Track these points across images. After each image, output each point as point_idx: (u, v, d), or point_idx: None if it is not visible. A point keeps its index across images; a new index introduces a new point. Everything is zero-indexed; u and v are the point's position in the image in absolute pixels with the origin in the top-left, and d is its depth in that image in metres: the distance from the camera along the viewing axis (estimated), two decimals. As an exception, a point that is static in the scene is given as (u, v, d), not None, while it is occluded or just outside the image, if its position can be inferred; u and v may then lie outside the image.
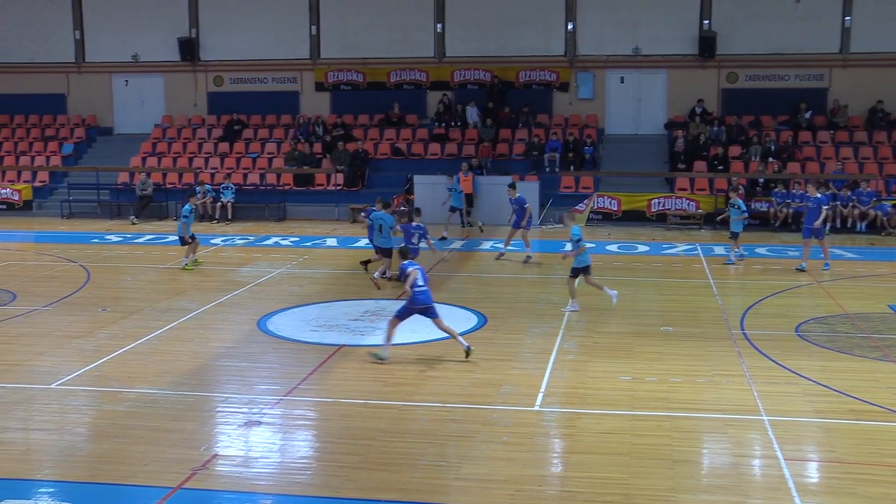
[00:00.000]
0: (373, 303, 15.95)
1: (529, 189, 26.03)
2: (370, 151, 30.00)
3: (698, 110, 29.74)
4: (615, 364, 12.16)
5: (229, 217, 27.83)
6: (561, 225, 23.21)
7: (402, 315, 12.31)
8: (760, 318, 14.81)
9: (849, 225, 25.44)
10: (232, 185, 28.38)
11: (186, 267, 19.37)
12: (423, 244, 17.42)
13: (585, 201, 27.12)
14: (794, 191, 25.05)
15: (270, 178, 29.58)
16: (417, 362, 12.21)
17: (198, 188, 26.88)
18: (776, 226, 25.64)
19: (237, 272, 19.24)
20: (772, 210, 25.86)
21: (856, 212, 25.37)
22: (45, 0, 33.34)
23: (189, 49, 32.39)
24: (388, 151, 30.34)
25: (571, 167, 28.56)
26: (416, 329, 12.93)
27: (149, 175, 29.09)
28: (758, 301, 16.10)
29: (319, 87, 32.42)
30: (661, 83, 30.73)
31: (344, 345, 13.09)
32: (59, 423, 10.06)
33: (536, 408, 10.48)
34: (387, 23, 31.65)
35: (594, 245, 22.65)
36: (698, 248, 22.36)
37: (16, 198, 30.41)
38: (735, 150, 28.48)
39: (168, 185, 29.70)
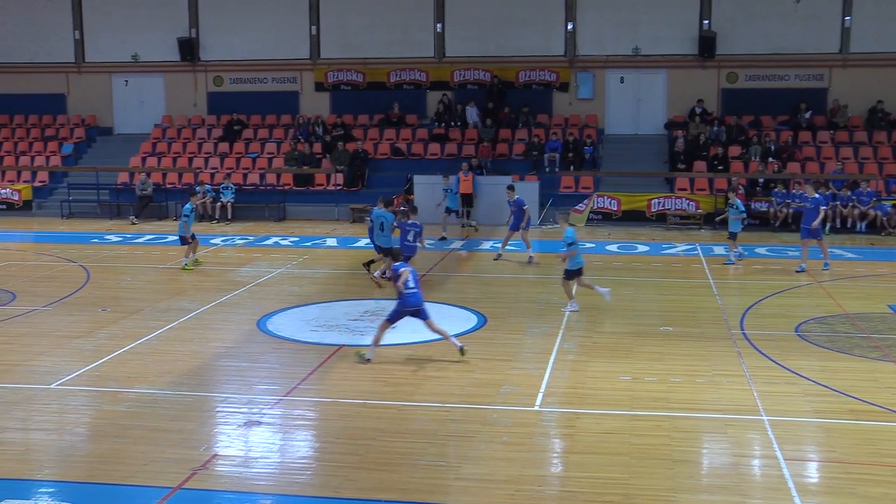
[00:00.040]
0: (373, 303, 15.95)
1: (529, 189, 26.05)
2: (370, 151, 30.00)
3: (698, 110, 29.74)
4: (615, 364, 12.15)
5: (229, 217, 27.84)
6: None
7: (392, 318, 12.29)
8: (760, 318, 14.81)
9: (849, 225, 25.44)
10: (232, 185, 28.38)
11: (186, 267, 19.37)
12: (417, 242, 17.45)
13: (585, 201, 27.16)
14: (793, 191, 25.04)
15: (270, 178, 29.59)
16: (417, 362, 12.21)
17: (197, 188, 26.88)
18: (776, 226, 25.64)
19: (237, 272, 19.23)
20: (772, 210, 25.87)
21: (856, 212, 25.38)
22: (45, 0, 33.35)
23: (189, 49, 32.39)
24: (387, 151, 30.34)
25: (571, 167, 28.57)
26: (416, 329, 12.92)
27: (148, 175, 29.10)
28: (758, 301, 16.10)
29: (319, 87, 32.42)
30: (661, 83, 30.74)
31: (344, 345, 13.08)
32: (58, 424, 10.06)
33: (536, 408, 10.47)
34: (387, 23, 31.66)
35: (594, 245, 22.71)
36: (698, 248, 22.36)
37: (15, 198, 30.42)
38: (735, 150, 28.49)
39: (168, 185, 29.70)
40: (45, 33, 33.61)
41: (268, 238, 24.37)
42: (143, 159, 31.02)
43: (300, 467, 8.94)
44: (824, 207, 19.38)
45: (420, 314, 12.29)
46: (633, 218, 26.86)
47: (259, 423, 10.01)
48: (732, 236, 20.07)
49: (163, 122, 33.20)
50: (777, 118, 29.78)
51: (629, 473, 8.57)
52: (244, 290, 17.25)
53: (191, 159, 30.90)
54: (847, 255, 21.42)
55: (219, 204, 27.88)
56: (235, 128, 31.87)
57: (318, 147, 30.36)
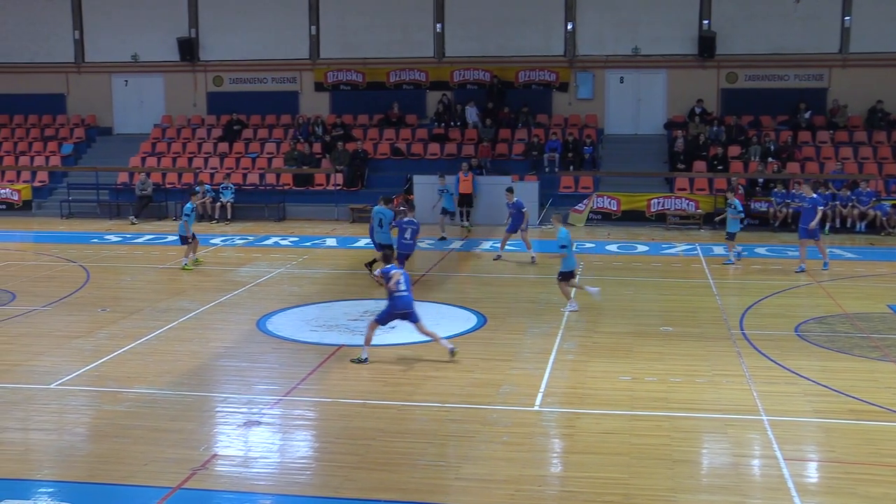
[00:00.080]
0: (372, 303, 15.91)
1: (529, 189, 26.05)
2: (370, 151, 29.99)
3: (698, 110, 29.74)
4: (615, 364, 12.15)
5: (229, 217, 27.83)
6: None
7: (382, 319, 12.26)
8: (760, 318, 14.81)
9: (848, 225, 25.44)
10: (231, 185, 28.37)
11: (186, 267, 19.37)
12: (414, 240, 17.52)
13: (585, 201, 27.15)
14: (793, 191, 25.05)
15: (270, 178, 29.59)
16: (417, 362, 12.21)
17: (197, 188, 26.87)
18: (775, 226, 25.64)
19: (237, 272, 19.23)
20: (771, 210, 25.87)
21: (855, 212, 25.38)
22: (44, 0, 33.34)
23: (188, 49, 32.39)
24: (387, 151, 30.34)
25: (571, 167, 28.56)
26: (415, 330, 12.93)
27: (148, 175, 29.10)
28: (757, 301, 16.10)
29: (319, 87, 32.42)
30: (661, 83, 30.73)
31: (343, 345, 13.08)
32: (58, 424, 10.06)
33: (536, 408, 10.47)
34: (386, 23, 31.66)
35: (594, 245, 22.72)
36: (698, 248, 22.36)
37: (15, 198, 30.40)
38: (734, 150, 28.49)
39: (167, 186, 29.69)
40: (45, 33, 33.61)
41: (267, 238, 24.37)
42: (143, 159, 31.01)
43: (300, 467, 8.94)
44: (822, 207, 19.38)
45: (410, 317, 12.25)
46: (633, 218, 26.86)
47: (259, 423, 10.01)
48: (730, 236, 20.07)
49: (162, 122, 33.20)
50: (777, 118, 29.78)
51: (629, 473, 8.57)
52: (244, 290, 17.25)
53: (190, 159, 30.90)
54: (847, 255, 21.42)
55: (218, 204, 27.88)
56: (235, 128, 31.86)
57: (317, 147, 30.36)
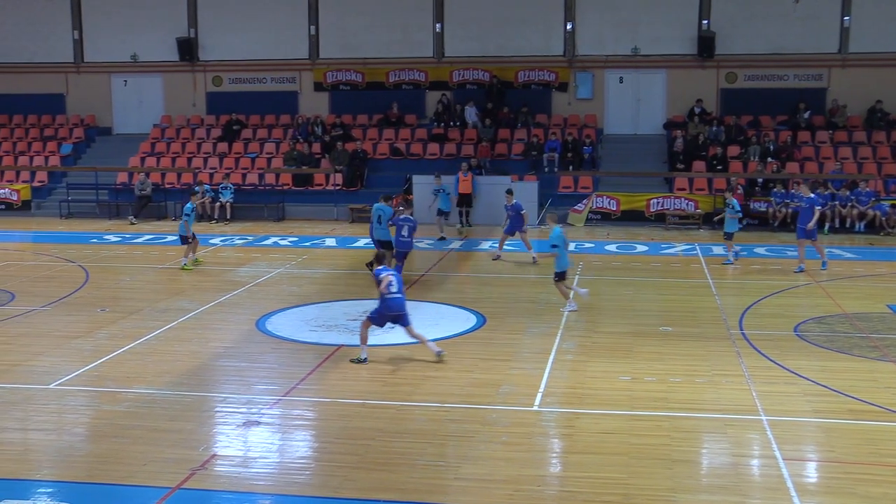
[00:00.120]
0: (372, 303, 15.89)
1: (528, 189, 26.08)
2: (369, 151, 30.00)
3: (697, 110, 29.75)
4: (614, 364, 12.15)
5: (228, 217, 27.83)
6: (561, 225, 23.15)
7: (374, 319, 12.24)
8: (759, 318, 14.81)
9: (847, 225, 25.45)
10: (231, 185, 28.37)
11: (185, 267, 19.36)
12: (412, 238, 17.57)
13: (584, 201, 27.16)
14: (792, 191, 25.06)
15: (269, 178, 29.59)
16: (416, 362, 12.20)
17: (197, 188, 26.87)
18: (775, 226, 25.65)
19: (236, 272, 19.23)
20: (771, 210, 25.87)
21: (854, 212, 25.38)
22: (44, 0, 33.33)
23: (188, 49, 32.39)
24: (386, 151, 30.34)
25: (570, 167, 28.57)
26: (416, 329, 12.93)
27: (147, 175, 29.10)
28: (756, 301, 16.10)
29: (318, 87, 32.42)
30: (660, 83, 30.74)
31: (343, 345, 13.07)
32: (57, 424, 10.05)
33: (535, 408, 10.47)
34: (386, 23, 31.66)
35: (593, 245, 22.71)
36: (697, 248, 22.36)
37: (14, 198, 30.41)
38: (734, 150, 28.51)
39: (167, 185, 29.70)
40: (45, 33, 33.60)
41: (267, 238, 24.37)
42: (142, 159, 31.02)
43: (299, 467, 8.94)
44: (819, 207, 19.38)
45: (401, 320, 12.21)
46: (632, 218, 26.86)
47: (258, 423, 10.01)
48: (728, 236, 20.08)
49: (162, 122, 33.20)
50: (776, 118, 29.79)
51: (628, 473, 8.57)
52: (243, 290, 17.25)
53: (190, 159, 30.90)
54: (846, 254, 21.43)
55: (218, 204, 27.88)
56: (234, 128, 31.86)
57: (317, 147, 30.36)
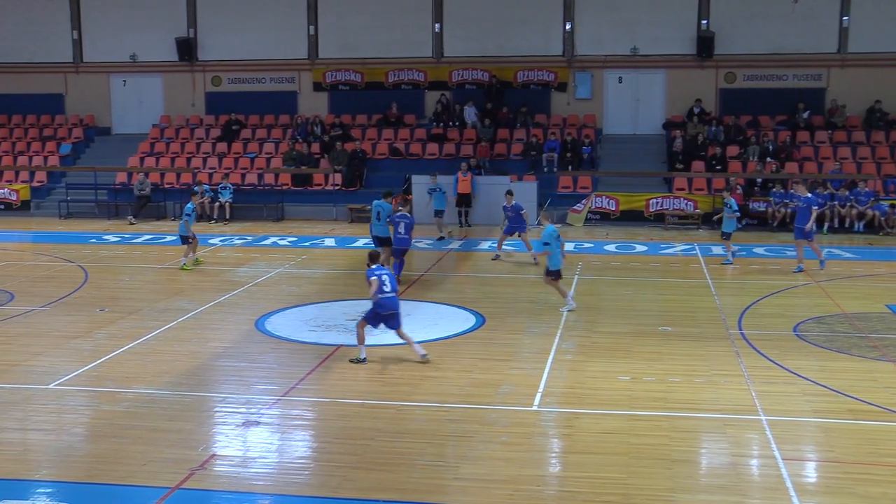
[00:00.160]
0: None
1: (527, 189, 26.06)
2: (368, 151, 29.98)
3: (696, 110, 29.75)
4: (614, 364, 12.15)
5: (227, 217, 27.82)
6: (559, 225, 23.20)
7: (369, 319, 12.23)
8: (758, 318, 14.81)
9: (847, 225, 25.45)
10: (230, 185, 28.36)
11: (185, 267, 19.36)
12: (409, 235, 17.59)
13: (583, 201, 27.16)
14: (791, 191, 25.05)
15: (268, 178, 29.57)
16: (415, 362, 12.18)
17: (196, 188, 26.85)
18: (774, 226, 25.66)
19: (235, 272, 19.22)
20: (770, 210, 25.88)
21: (854, 212, 25.39)
22: (43, 0, 33.32)
23: (187, 49, 32.37)
24: (386, 151, 30.33)
25: (569, 167, 28.56)
26: (415, 329, 12.95)
27: (147, 175, 29.08)
28: (756, 301, 16.10)
29: (317, 87, 32.40)
30: (660, 83, 30.74)
31: (342, 345, 13.07)
32: (56, 424, 10.05)
33: (535, 408, 10.47)
34: (385, 23, 31.64)
35: (592, 245, 22.72)
36: (696, 247, 22.36)
37: (14, 198, 30.39)
38: (733, 150, 28.51)
39: (166, 186, 29.68)
40: (44, 33, 33.57)
41: (266, 238, 24.37)
42: (142, 159, 31.00)
43: (298, 467, 8.94)
44: (816, 207, 19.37)
45: (393, 320, 12.18)
46: (632, 218, 26.86)
47: (257, 423, 10.01)
48: (726, 236, 20.08)
49: (161, 122, 33.18)
50: (775, 118, 29.79)
51: (628, 473, 8.57)
52: (242, 290, 17.24)
53: (189, 159, 30.88)
54: (845, 254, 21.44)
55: (217, 204, 27.87)
56: (234, 128, 31.85)
57: (316, 147, 30.35)
